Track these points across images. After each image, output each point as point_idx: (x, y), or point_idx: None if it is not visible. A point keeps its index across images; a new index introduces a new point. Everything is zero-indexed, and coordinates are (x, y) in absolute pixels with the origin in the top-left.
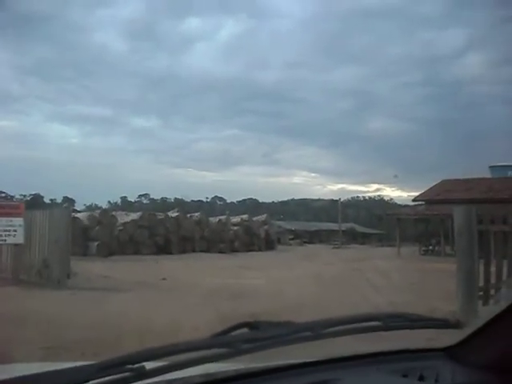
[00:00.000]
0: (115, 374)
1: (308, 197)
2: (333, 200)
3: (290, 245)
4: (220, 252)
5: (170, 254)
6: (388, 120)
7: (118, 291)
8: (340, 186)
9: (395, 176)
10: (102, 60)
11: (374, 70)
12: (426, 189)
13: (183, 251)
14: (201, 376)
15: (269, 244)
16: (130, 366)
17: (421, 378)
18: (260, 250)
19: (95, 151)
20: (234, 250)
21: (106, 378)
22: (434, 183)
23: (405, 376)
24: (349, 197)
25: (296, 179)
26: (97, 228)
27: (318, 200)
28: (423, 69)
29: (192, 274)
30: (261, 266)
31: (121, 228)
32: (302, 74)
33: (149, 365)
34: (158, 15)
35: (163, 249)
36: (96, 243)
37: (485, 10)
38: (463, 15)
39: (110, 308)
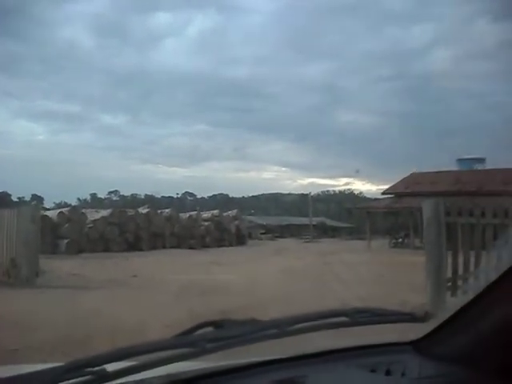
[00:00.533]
0: (77, 377)
1: (279, 191)
2: (303, 194)
3: (262, 239)
4: (191, 248)
5: (141, 250)
6: (357, 114)
7: (87, 289)
8: (310, 180)
9: (357, 171)
10: (69, 56)
11: (343, 65)
12: (395, 182)
13: (154, 248)
14: (165, 376)
15: (240, 239)
16: (92, 369)
17: (388, 373)
18: (231, 245)
19: (63, 148)
20: (204, 246)
21: (70, 381)
22: (404, 176)
23: (373, 371)
24: (319, 191)
25: (266, 174)
26: (66, 225)
27: (289, 194)
28: (392, 64)
29: (163, 271)
30: (232, 261)
31: (91, 225)
32: (272, 70)
33: (112, 366)
34: (126, 11)
35: (134, 245)
36: (65, 241)
37: (451, 6)
38: (430, 11)
39: (79, 306)
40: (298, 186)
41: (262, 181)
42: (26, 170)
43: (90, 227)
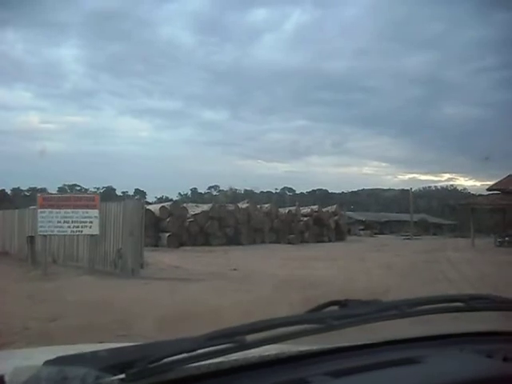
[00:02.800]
0: (219, 344)
1: (378, 187)
2: (403, 190)
3: (360, 236)
4: (289, 243)
5: (240, 244)
6: (461, 107)
7: (189, 281)
8: (411, 175)
9: (486, 158)
10: (170, 54)
11: (446, 56)
12: (501, 178)
13: (253, 242)
14: (277, 353)
15: (339, 235)
16: (232, 338)
17: (505, 359)
18: (330, 240)
19: (166, 144)
20: (303, 241)
21: (212, 348)
22: (510, 172)
23: (489, 357)
24: (420, 187)
25: (366, 169)
26: (168, 219)
27: (389, 190)
28: (498, 52)
29: (262, 265)
30: (331, 256)
31: (191, 219)
32: (372, 62)
33: (250, 337)
34: (224, 8)
35: (233, 240)
36: (167, 234)
37: None
38: None
39: (182, 297)
40: (399, 181)
41: (361, 176)
42: (130, 165)
43: (190, 221)
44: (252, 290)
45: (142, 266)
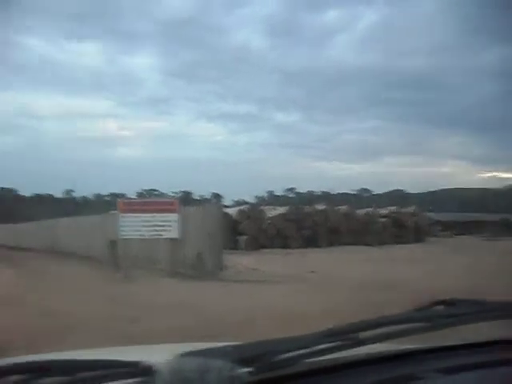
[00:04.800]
0: (335, 341)
1: (457, 186)
2: (484, 189)
3: (439, 237)
4: (367, 245)
5: (318, 247)
6: None
7: (267, 283)
8: (491, 173)
9: None
10: (243, 59)
11: None
12: None
13: (330, 244)
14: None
15: (418, 236)
16: (347, 335)
17: None
18: (408, 242)
19: (241, 147)
20: (381, 243)
21: (328, 345)
22: None
23: None
24: (501, 185)
25: (444, 168)
26: (245, 222)
27: (468, 189)
28: None
29: (341, 267)
30: (411, 258)
31: (269, 222)
32: (446, 59)
33: (363, 334)
34: (296, 10)
35: (310, 242)
36: (245, 237)
37: None
38: None
39: (262, 299)
40: (479, 180)
41: (439, 176)
42: (207, 169)
43: (268, 224)
44: (331, 292)
45: (221, 269)
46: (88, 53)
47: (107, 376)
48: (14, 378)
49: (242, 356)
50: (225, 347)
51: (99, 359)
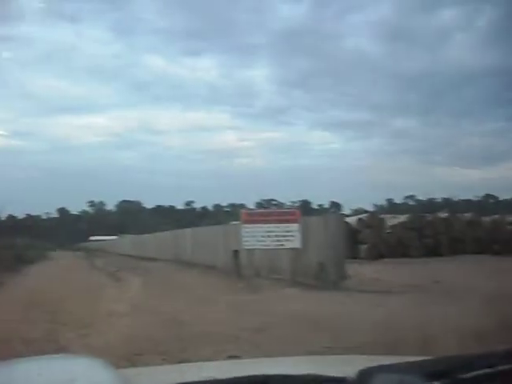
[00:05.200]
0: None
1: None
2: None
3: None
4: (495, 254)
5: (440, 256)
6: None
7: (390, 294)
8: None
9: None
10: (357, 65)
11: None
12: None
13: (454, 253)
14: None
15: None
16: None
17: None
18: None
19: (357, 155)
20: (511, 252)
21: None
22: None
23: None
24: None
25: None
26: (365, 231)
27: None
28: None
29: (466, 277)
30: None
31: (389, 231)
32: None
33: None
34: (410, 12)
35: (433, 251)
36: (365, 246)
37: None
38: None
39: (386, 310)
40: None
41: None
42: (324, 177)
43: (388, 233)
44: (459, 303)
45: (343, 279)
46: (204, 67)
47: None
48: None
49: (431, 371)
50: (413, 362)
51: (308, 373)
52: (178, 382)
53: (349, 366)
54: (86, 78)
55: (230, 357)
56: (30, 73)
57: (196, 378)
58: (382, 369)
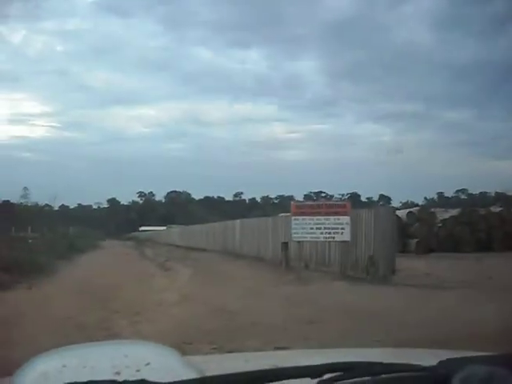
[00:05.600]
0: None
1: None
2: None
3: None
4: None
5: (493, 251)
6: None
7: (441, 289)
8: None
9: None
10: (408, 56)
11: None
12: None
13: (507, 249)
14: None
15: None
16: None
17: None
18: None
19: (407, 148)
20: None
21: None
22: None
23: None
24: None
25: None
26: (415, 225)
27: None
28: None
29: None
30: None
31: (440, 225)
32: None
33: None
34: (462, 1)
35: (485, 246)
36: (415, 240)
37: None
38: None
39: (436, 305)
40: None
41: None
42: (373, 170)
43: (439, 227)
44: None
45: (393, 273)
46: (252, 59)
47: (403, 379)
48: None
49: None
50: (499, 355)
51: (394, 362)
52: (243, 370)
53: (413, 359)
54: (136, 71)
55: (278, 348)
56: (82, 66)
57: (256, 367)
58: (464, 360)
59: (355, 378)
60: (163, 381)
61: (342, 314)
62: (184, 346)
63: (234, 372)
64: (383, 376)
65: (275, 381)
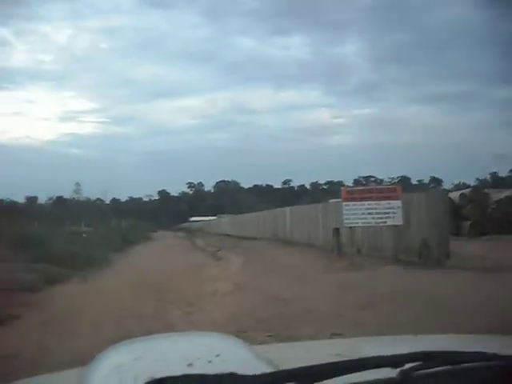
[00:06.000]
0: None
1: None
2: None
3: None
4: None
5: None
6: None
7: (499, 272)
8: None
9: None
10: (453, 35)
11: None
12: None
13: None
14: None
15: None
16: None
17: None
18: None
19: (457, 128)
20: None
21: None
22: None
23: None
24: None
25: None
26: (468, 207)
27: None
28: None
29: None
30: None
31: (494, 206)
32: None
33: None
34: None
35: None
36: (468, 222)
37: None
38: None
39: (497, 289)
40: None
41: None
42: (422, 153)
43: (493, 208)
44: None
45: (447, 256)
46: (295, 46)
47: (482, 368)
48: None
49: None
50: None
51: (470, 351)
52: (306, 359)
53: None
54: (180, 63)
55: (334, 334)
56: (127, 61)
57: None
58: None
59: (436, 367)
60: (238, 372)
61: (396, 299)
62: (239, 335)
63: (311, 364)
64: (463, 365)
65: (356, 371)
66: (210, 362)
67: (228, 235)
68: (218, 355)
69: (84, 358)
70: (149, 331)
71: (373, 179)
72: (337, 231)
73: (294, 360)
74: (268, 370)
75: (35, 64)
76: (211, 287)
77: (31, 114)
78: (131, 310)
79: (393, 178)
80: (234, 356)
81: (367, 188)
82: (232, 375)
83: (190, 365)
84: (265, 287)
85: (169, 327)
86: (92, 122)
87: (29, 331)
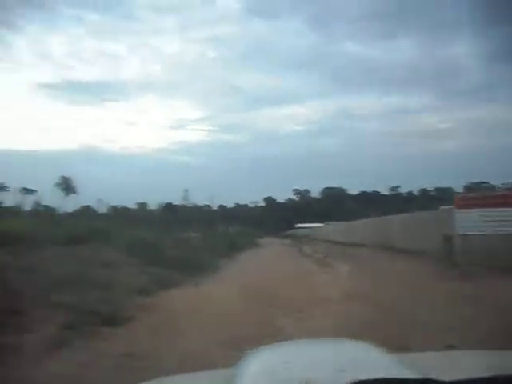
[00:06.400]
0: None
1: None
2: None
3: None
4: None
5: None
6: None
7: None
8: None
9: None
10: None
11: None
12: None
13: None
14: None
15: None
16: None
17: None
18: None
19: None
20: None
21: None
22: None
23: None
24: None
25: None
26: None
27: None
28: None
29: None
30: None
31: None
32: None
33: None
34: None
35: None
36: None
37: None
38: None
39: None
40: None
41: None
42: None
43: None
44: None
45: None
46: (401, 49)
47: None
48: None
49: None
50: None
51: None
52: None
53: None
54: (286, 71)
55: (449, 346)
56: (233, 70)
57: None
58: None
59: None
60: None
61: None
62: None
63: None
64: None
65: None
66: (360, 368)
67: (335, 242)
68: (364, 362)
69: (195, 359)
70: (258, 336)
71: (485, 185)
72: (449, 239)
73: (440, 369)
74: (418, 376)
75: (146, 75)
76: (320, 294)
77: (142, 123)
78: (241, 315)
79: (505, 184)
80: (378, 363)
81: (481, 194)
82: (428, 380)
83: (341, 370)
84: (374, 295)
85: (279, 332)
86: (201, 129)
87: (143, 332)
